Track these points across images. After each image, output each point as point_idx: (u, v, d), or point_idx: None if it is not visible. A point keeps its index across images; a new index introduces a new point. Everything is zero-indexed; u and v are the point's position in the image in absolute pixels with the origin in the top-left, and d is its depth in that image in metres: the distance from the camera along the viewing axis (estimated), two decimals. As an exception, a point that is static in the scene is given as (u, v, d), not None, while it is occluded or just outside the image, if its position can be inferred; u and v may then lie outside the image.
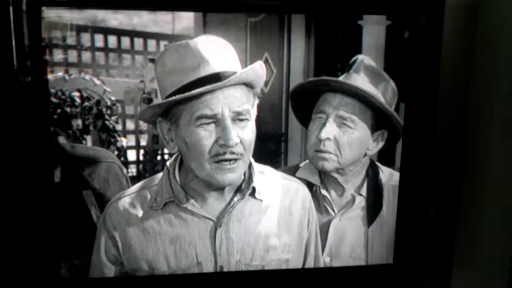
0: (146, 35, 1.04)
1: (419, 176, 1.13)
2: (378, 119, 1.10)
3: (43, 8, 0.96)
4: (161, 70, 0.97)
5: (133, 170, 1.11)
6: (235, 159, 0.97)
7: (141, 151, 1.11)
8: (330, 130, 1.08)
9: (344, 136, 1.08)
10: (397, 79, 1.10)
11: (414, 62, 1.09)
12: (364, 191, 1.14)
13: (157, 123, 1.00)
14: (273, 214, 1.06)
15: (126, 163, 1.10)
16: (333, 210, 1.14)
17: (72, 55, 1.01)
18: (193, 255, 1.02)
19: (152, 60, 1.01)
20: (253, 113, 0.99)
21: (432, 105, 1.10)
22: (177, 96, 0.93)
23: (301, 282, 1.12)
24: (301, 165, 1.14)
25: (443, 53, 1.09)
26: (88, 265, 1.05)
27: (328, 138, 1.08)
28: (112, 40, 1.05)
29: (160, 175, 1.03)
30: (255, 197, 1.04)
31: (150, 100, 1.05)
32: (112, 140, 1.08)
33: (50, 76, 1.00)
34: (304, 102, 1.10)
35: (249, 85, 0.98)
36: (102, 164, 1.07)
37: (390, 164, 1.15)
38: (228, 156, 0.96)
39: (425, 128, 1.11)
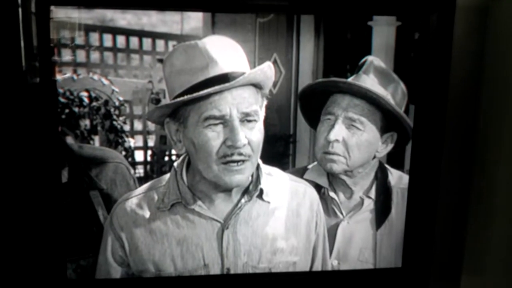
0: (154, 35, 1.04)
1: (428, 179, 1.12)
2: (388, 121, 1.09)
3: (52, 8, 0.96)
4: (170, 71, 0.96)
5: (140, 171, 1.10)
6: (243, 161, 0.96)
7: (149, 152, 1.11)
8: (338, 132, 1.07)
9: (353, 138, 1.07)
10: (407, 81, 1.09)
11: (424, 63, 1.08)
12: (372, 193, 1.13)
13: (165, 123, 0.99)
14: (281, 216, 1.05)
15: (134, 164, 1.09)
16: (341, 213, 1.13)
17: (81, 55, 1.01)
18: (200, 257, 1.02)
19: (161, 60, 1.01)
20: (261, 114, 0.99)
21: (442, 107, 1.09)
22: (185, 97, 0.93)
23: (308, 285, 1.11)
24: (309, 167, 1.13)
25: (454, 55, 1.08)
26: (95, 266, 1.05)
27: (337, 140, 1.07)
28: (121, 40, 1.04)
29: (167, 176, 1.03)
30: (262, 199, 1.03)
31: (158, 101, 1.05)
32: (120, 140, 1.07)
33: (58, 76, 1.00)
34: (313, 103, 1.09)
35: (257, 86, 0.97)
36: (109, 164, 1.07)
37: (399, 166, 1.14)
38: (235, 157, 0.96)
39: (435, 130, 1.10)
